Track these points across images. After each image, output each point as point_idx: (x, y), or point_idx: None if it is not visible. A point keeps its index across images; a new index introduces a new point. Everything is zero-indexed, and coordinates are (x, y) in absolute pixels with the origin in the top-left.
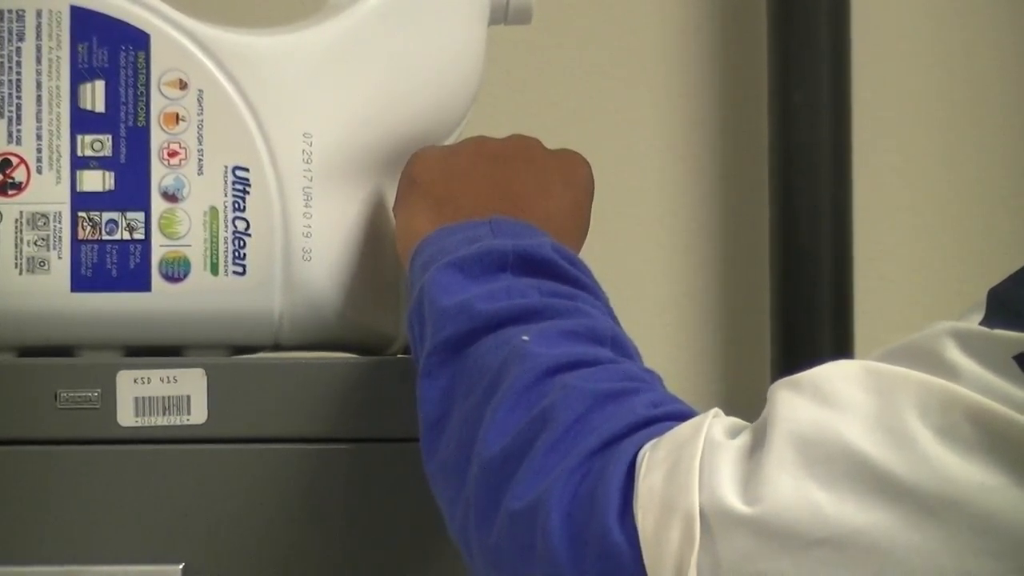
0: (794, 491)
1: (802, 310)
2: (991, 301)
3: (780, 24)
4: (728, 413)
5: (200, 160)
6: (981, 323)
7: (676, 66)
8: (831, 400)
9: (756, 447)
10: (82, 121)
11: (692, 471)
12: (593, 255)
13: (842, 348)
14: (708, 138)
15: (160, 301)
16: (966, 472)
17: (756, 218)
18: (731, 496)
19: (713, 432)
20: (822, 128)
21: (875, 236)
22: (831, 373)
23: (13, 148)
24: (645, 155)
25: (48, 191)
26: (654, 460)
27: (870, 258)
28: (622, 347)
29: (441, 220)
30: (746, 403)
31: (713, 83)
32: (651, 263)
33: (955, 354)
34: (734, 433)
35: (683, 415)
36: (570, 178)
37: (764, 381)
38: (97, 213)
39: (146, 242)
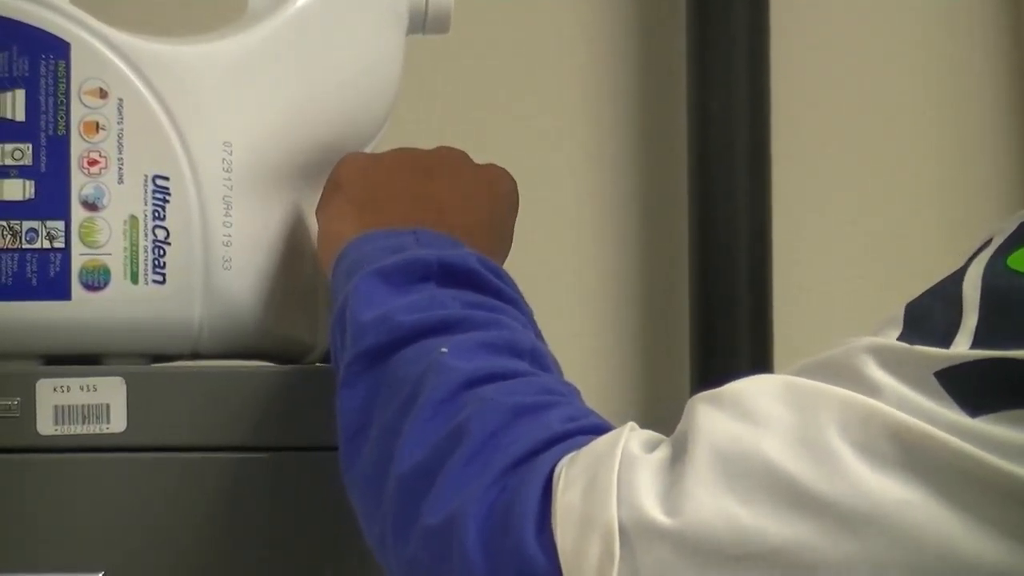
0: (714, 506)
1: (721, 314)
2: (908, 316)
3: (698, 32)
4: (647, 421)
5: (120, 169)
6: (899, 338)
7: (595, 76)
8: (752, 415)
9: (676, 460)
10: (2, 130)
11: (610, 485)
12: (514, 265)
13: (761, 352)
14: (627, 147)
15: (80, 310)
16: (886, 488)
17: (675, 225)
18: (651, 508)
19: (630, 446)
20: (740, 134)
21: (793, 241)
22: (752, 388)
23: None
24: (564, 164)
25: None
26: (571, 476)
27: (788, 262)
28: (541, 360)
29: (364, 226)
30: (665, 410)
31: (632, 91)
32: (570, 272)
33: (875, 371)
34: (651, 446)
35: (599, 429)
36: (494, 192)
37: (683, 387)
38: (17, 222)
39: (66, 251)
